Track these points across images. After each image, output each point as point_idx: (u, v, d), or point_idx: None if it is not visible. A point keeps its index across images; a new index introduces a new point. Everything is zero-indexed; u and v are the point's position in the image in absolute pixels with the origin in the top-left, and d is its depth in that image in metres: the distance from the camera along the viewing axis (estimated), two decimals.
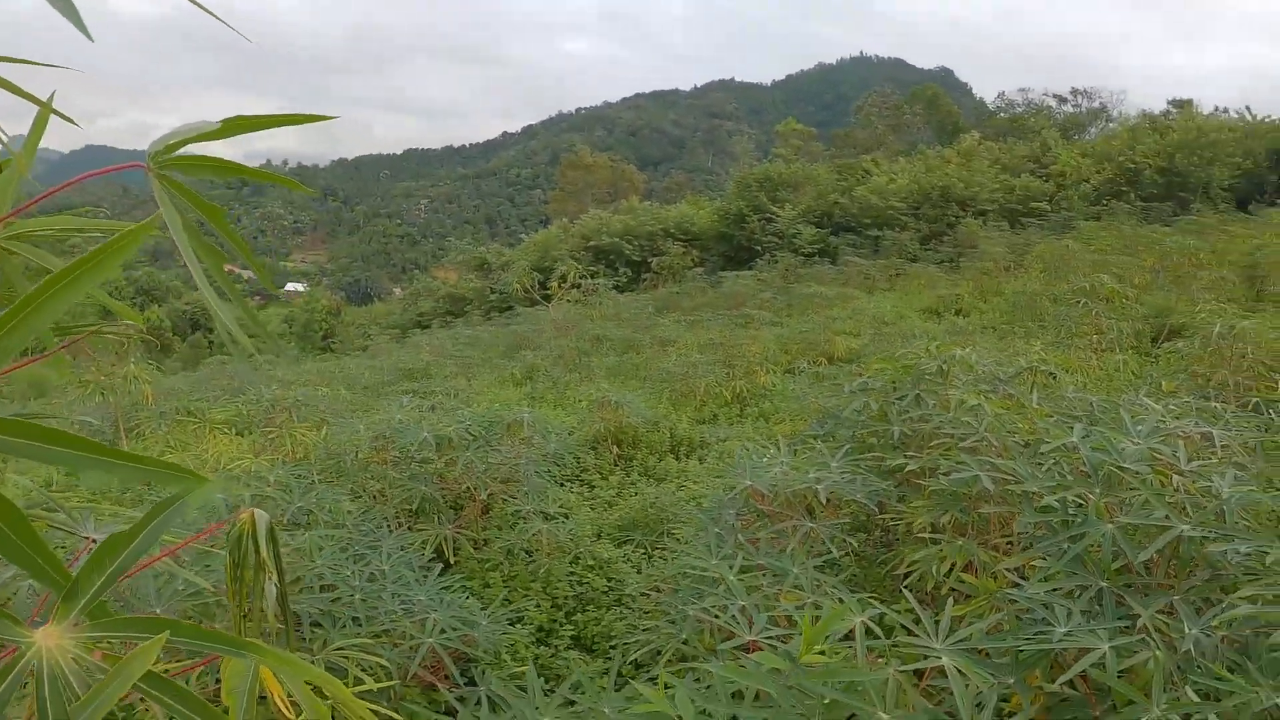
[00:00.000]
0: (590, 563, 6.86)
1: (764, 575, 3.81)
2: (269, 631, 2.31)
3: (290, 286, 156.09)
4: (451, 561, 6.68)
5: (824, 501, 4.51)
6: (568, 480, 9.98)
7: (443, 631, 4.40)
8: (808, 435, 6.18)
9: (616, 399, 10.82)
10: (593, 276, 31.61)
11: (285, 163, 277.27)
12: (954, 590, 4.25)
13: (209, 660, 2.34)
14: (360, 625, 4.32)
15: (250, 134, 1.61)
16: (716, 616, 3.34)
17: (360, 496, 7.17)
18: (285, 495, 5.42)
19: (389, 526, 6.27)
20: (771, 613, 3.34)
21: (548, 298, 32.10)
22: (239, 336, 1.65)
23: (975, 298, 23.93)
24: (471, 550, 6.80)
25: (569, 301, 27.74)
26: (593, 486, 9.80)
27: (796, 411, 12.78)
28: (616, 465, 10.61)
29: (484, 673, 4.93)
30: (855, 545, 4.95)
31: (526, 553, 6.76)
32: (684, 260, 43.58)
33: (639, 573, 6.75)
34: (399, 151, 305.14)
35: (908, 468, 4.78)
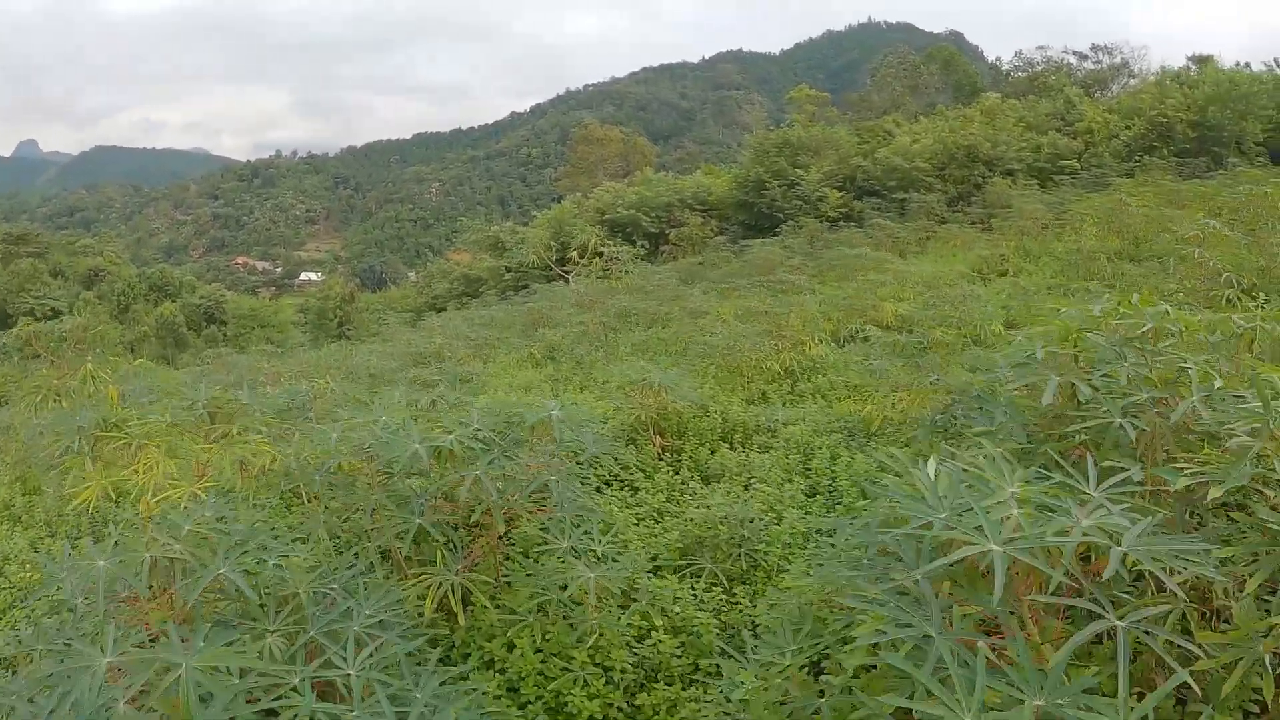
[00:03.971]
0: (649, 607, 4.99)
1: None
2: None
3: (304, 275, 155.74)
4: (461, 622, 4.80)
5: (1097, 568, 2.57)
6: (604, 483, 8.09)
7: None
8: (933, 423, 4.18)
9: (659, 379, 8.95)
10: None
11: (295, 153, 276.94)
12: None
13: None
14: None
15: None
16: None
17: (338, 535, 5.32)
18: (205, 551, 3.57)
19: (367, 573, 4.42)
20: None
21: (565, 273, 30.39)
22: None
23: (1020, 258, 22.85)
24: (485, 601, 4.89)
25: (589, 275, 25.91)
26: (636, 489, 7.94)
27: (864, 386, 10.88)
28: (661, 459, 8.80)
29: None
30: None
31: (568, 604, 4.83)
32: (704, 230, 42.33)
33: (718, 618, 4.90)
34: (408, 136, 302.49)
35: (1212, 494, 2.74)
